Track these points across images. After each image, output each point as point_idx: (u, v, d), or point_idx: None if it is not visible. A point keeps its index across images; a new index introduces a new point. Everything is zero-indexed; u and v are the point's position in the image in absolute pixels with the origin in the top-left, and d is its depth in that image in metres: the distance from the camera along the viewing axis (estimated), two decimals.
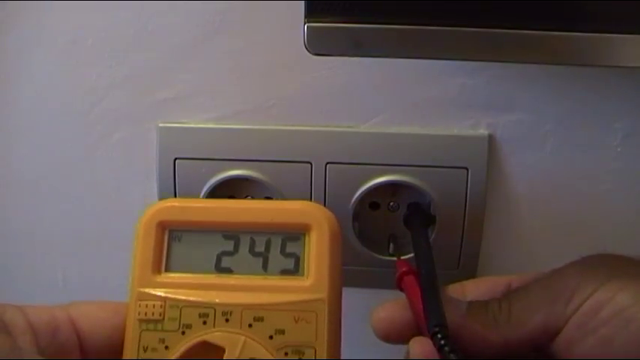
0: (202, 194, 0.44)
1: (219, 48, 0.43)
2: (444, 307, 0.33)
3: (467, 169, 0.43)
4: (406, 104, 0.43)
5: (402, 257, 0.41)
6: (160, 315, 0.31)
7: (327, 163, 0.43)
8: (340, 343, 0.31)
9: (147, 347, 0.30)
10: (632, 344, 0.30)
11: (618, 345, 0.30)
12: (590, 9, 0.32)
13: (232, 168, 0.44)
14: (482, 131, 0.43)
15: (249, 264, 0.32)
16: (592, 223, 0.44)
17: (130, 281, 0.32)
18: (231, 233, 0.33)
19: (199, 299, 0.31)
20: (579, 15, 0.32)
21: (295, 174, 0.43)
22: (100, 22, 0.43)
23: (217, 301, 0.31)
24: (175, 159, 0.44)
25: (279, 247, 0.32)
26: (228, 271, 0.32)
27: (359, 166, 0.43)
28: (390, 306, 0.35)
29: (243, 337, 0.30)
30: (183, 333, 0.31)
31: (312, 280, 0.31)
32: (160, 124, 0.44)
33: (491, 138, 0.43)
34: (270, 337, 0.30)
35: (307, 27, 0.33)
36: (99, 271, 0.48)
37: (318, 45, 0.33)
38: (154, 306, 0.31)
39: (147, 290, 0.31)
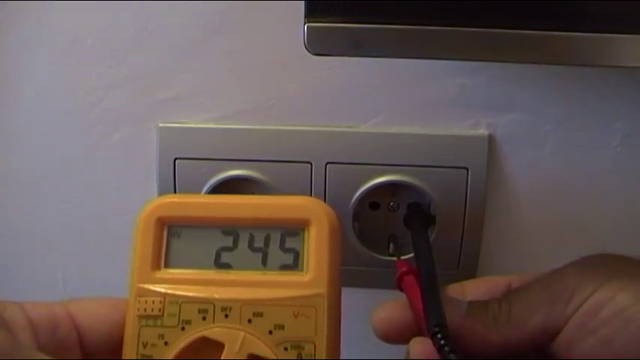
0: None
1: (219, 48, 0.43)
2: (444, 307, 0.33)
3: (467, 169, 0.43)
4: (406, 104, 0.43)
5: (402, 257, 0.41)
6: (160, 311, 0.31)
7: (327, 163, 0.43)
8: (340, 338, 0.31)
9: (146, 343, 0.30)
10: (633, 344, 0.30)
11: (618, 345, 0.30)
12: (590, 9, 0.32)
13: (232, 168, 0.44)
14: (482, 131, 0.43)
15: (248, 259, 0.32)
16: (592, 223, 0.44)
17: (130, 277, 0.32)
18: (231, 229, 0.32)
19: (199, 295, 0.31)
20: (579, 15, 0.32)
21: (295, 174, 0.43)
22: (100, 22, 0.43)
23: (217, 296, 0.31)
24: (175, 159, 0.44)
25: (278, 243, 0.32)
26: (227, 266, 0.32)
27: (359, 166, 0.43)
28: (390, 306, 0.35)
29: (242, 333, 0.30)
30: (182, 329, 0.31)
31: (312, 275, 0.31)
32: (160, 124, 0.44)
33: (491, 138, 0.43)
34: (270, 333, 0.30)
35: (307, 27, 0.33)
36: (99, 271, 0.48)
37: (318, 45, 0.33)
38: (153, 302, 0.31)
39: (146, 286, 0.31)
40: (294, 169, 0.43)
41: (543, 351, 0.32)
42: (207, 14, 0.42)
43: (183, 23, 0.42)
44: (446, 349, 0.31)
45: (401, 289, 0.36)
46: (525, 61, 0.36)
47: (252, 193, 0.44)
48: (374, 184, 0.43)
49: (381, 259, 0.44)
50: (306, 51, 0.34)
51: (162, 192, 0.44)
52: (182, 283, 0.31)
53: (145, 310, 0.31)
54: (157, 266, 0.32)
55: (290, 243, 0.32)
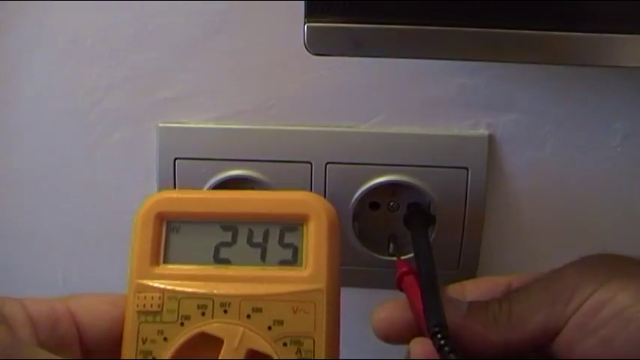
0: None
1: (219, 48, 0.43)
2: (444, 308, 0.33)
3: (467, 169, 0.43)
4: (406, 104, 0.43)
5: (402, 257, 0.41)
6: (159, 307, 0.31)
7: (327, 163, 0.43)
8: (339, 333, 0.31)
9: (146, 339, 0.30)
10: (633, 344, 0.30)
11: (618, 345, 0.30)
12: (590, 9, 0.32)
13: (232, 168, 0.44)
14: (483, 131, 0.43)
15: (247, 255, 0.32)
16: (592, 223, 0.44)
17: (129, 273, 0.32)
18: (229, 224, 0.32)
19: (198, 290, 0.31)
20: (579, 15, 0.32)
21: (295, 174, 0.43)
22: (100, 22, 0.43)
23: (216, 292, 0.31)
24: (175, 159, 0.44)
25: (277, 238, 0.32)
26: (226, 262, 0.32)
27: (359, 166, 0.43)
28: (390, 306, 0.35)
29: (241, 328, 0.30)
30: (182, 324, 0.31)
31: (311, 270, 0.31)
32: (160, 124, 0.44)
33: (491, 138, 0.43)
34: (269, 328, 0.30)
35: (307, 27, 0.33)
36: (99, 271, 0.48)
37: (318, 45, 0.33)
38: (152, 298, 0.31)
39: (145, 282, 0.31)
40: (294, 169, 0.43)
41: (543, 351, 0.32)
42: (207, 14, 0.42)
43: (183, 23, 0.42)
44: (446, 349, 0.31)
45: (401, 289, 0.36)
46: (525, 61, 0.36)
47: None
48: (374, 184, 0.43)
49: (381, 259, 0.44)
50: (306, 51, 0.34)
51: None
52: (181, 278, 0.31)
53: (144, 306, 0.31)
54: (155, 262, 0.32)
55: (289, 238, 0.32)
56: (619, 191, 0.44)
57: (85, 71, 0.44)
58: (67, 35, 0.43)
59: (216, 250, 0.32)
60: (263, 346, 0.30)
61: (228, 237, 0.32)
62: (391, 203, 0.44)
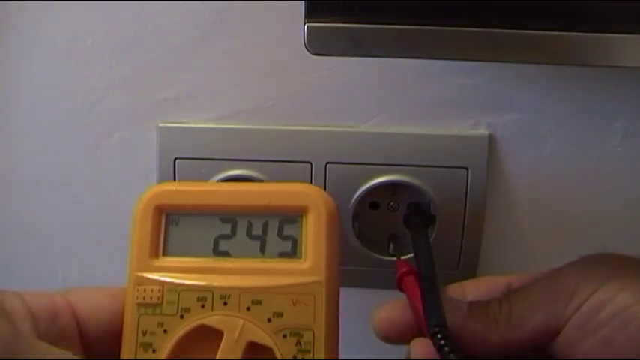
0: None
1: (219, 48, 0.43)
2: (444, 308, 0.33)
3: (467, 169, 0.43)
4: (406, 104, 0.43)
5: (402, 257, 0.41)
6: (159, 299, 0.31)
7: (327, 163, 0.43)
8: (338, 325, 0.31)
9: (146, 331, 0.30)
10: (633, 344, 0.30)
11: (619, 345, 0.30)
12: (590, 9, 0.32)
13: (232, 168, 0.44)
14: (483, 131, 0.43)
15: (246, 247, 0.32)
16: (592, 223, 0.44)
17: (128, 265, 0.32)
18: (229, 216, 0.32)
19: (197, 283, 0.31)
20: (579, 15, 0.32)
21: (295, 174, 0.43)
22: (100, 22, 0.43)
23: (215, 284, 0.31)
24: (175, 159, 0.44)
25: (276, 230, 0.32)
26: (225, 254, 0.32)
27: (359, 166, 0.43)
28: (390, 306, 0.35)
29: (241, 320, 0.30)
30: (181, 317, 0.31)
31: (310, 262, 0.31)
32: (160, 124, 0.44)
33: (491, 138, 0.43)
34: (269, 320, 0.30)
35: (307, 27, 0.33)
36: (99, 271, 0.48)
37: (318, 45, 0.33)
38: (152, 290, 0.31)
39: (145, 274, 0.31)
40: (294, 169, 0.43)
41: (543, 351, 0.32)
42: (207, 14, 0.42)
43: (183, 23, 0.42)
44: (446, 349, 0.31)
45: (401, 290, 0.36)
46: (525, 61, 0.36)
47: None
48: (374, 184, 0.43)
49: (381, 259, 0.44)
50: (306, 51, 0.33)
51: None
52: (180, 271, 0.31)
53: (144, 298, 0.31)
54: (155, 254, 0.32)
55: (288, 230, 0.32)
56: (619, 191, 0.44)
57: (85, 71, 0.44)
58: (67, 35, 0.43)
59: (216, 243, 0.32)
60: (263, 338, 0.30)
61: (227, 229, 0.32)
62: (391, 203, 0.44)
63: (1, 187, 0.47)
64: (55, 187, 0.47)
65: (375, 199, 0.44)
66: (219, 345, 0.30)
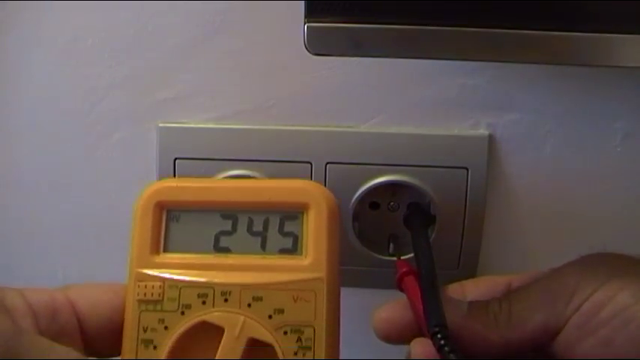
0: None
1: (219, 48, 0.43)
2: (444, 308, 0.33)
3: (467, 169, 0.43)
4: (406, 104, 0.43)
5: (402, 257, 0.41)
6: (159, 295, 0.31)
7: (327, 163, 0.43)
8: (339, 322, 0.31)
9: (147, 327, 0.30)
10: (633, 344, 0.30)
11: (619, 345, 0.30)
12: (590, 9, 0.32)
13: (232, 168, 0.44)
14: (483, 131, 0.43)
15: (247, 243, 0.32)
16: (592, 223, 0.44)
17: (129, 262, 0.32)
18: (229, 213, 0.32)
19: (198, 279, 0.31)
20: (579, 15, 0.32)
21: (295, 174, 0.43)
22: (100, 22, 0.43)
23: (216, 281, 0.31)
24: (175, 159, 0.44)
25: (277, 226, 0.32)
26: (226, 250, 0.32)
27: (359, 166, 0.43)
28: (390, 306, 0.35)
29: (242, 317, 0.30)
30: (182, 313, 0.31)
31: (311, 259, 0.31)
32: (160, 124, 0.44)
33: (491, 138, 0.43)
34: (270, 317, 0.30)
35: (307, 27, 0.33)
36: (99, 270, 0.48)
37: (318, 45, 0.33)
38: (152, 287, 0.31)
39: (145, 271, 0.31)
40: (294, 169, 0.43)
41: (544, 351, 0.32)
42: (207, 14, 0.42)
43: (183, 23, 0.42)
44: (446, 349, 0.31)
45: (401, 290, 0.36)
46: (525, 61, 0.36)
47: None
48: (374, 184, 0.43)
49: (381, 259, 0.44)
50: (306, 51, 0.33)
51: None
52: (181, 267, 0.31)
53: (145, 294, 0.31)
54: (156, 251, 0.32)
55: (289, 227, 0.32)
56: (619, 191, 0.44)
57: (85, 71, 0.44)
58: (67, 35, 0.43)
59: (217, 239, 0.32)
60: (264, 334, 0.30)
61: (228, 226, 0.32)
62: (391, 203, 0.44)
63: (1, 187, 0.47)
64: (55, 187, 0.47)
65: (375, 199, 0.44)
66: (220, 342, 0.30)
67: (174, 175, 0.44)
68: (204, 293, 0.31)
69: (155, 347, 0.30)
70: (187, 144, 0.44)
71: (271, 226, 0.32)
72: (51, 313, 0.29)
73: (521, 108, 0.43)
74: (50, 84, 0.44)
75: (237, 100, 0.44)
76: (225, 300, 0.31)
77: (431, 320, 0.32)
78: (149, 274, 0.31)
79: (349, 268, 0.44)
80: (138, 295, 0.31)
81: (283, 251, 0.32)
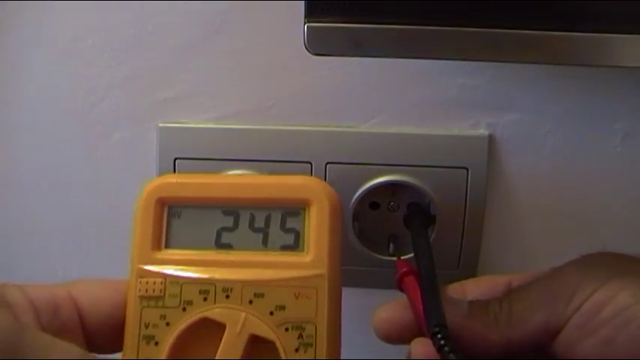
0: None
1: (219, 48, 0.43)
2: (444, 308, 0.33)
3: (467, 169, 0.43)
4: (406, 104, 0.43)
5: (402, 257, 0.41)
6: (161, 291, 0.31)
7: (327, 163, 0.43)
8: (341, 318, 0.31)
9: (148, 324, 0.30)
10: (634, 344, 0.30)
11: (619, 345, 0.30)
12: (590, 9, 0.32)
13: (232, 168, 0.44)
14: (483, 131, 0.43)
15: (249, 240, 0.32)
16: (592, 222, 0.44)
17: (130, 258, 0.32)
18: (231, 209, 0.32)
19: (199, 275, 0.31)
20: (579, 15, 0.32)
21: (295, 174, 0.43)
22: (100, 22, 0.43)
23: (217, 277, 0.31)
24: (175, 159, 0.44)
25: (279, 223, 0.32)
26: (228, 247, 0.32)
27: (359, 166, 0.43)
28: (391, 307, 0.35)
29: (243, 314, 0.30)
30: (184, 309, 0.31)
31: (312, 255, 0.31)
32: (160, 124, 0.44)
33: (491, 138, 0.43)
34: (271, 313, 0.30)
35: (307, 27, 0.33)
36: (99, 270, 0.48)
37: (318, 45, 0.33)
38: (154, 283, 0.31)
39: (147, 267, 0.31)
40: (294, 169, 0.43)
41: (544, 350, 0.32)
42: (207, 14, 0.42)
43: (183, 23, 0.42)
44: (446, 349, 0.31)
45: (401, 290, 0.36)
46: (525, 61, 0.36)
47: None
48: (374, 184, 0.43)
49: (381, 259, 0.44)
50: (306, 51, 0.34)
51: None
52: (183, 263, 0.31)
53: (147, 291, 0.31)
54: (157, 247, 0.32)
55: (291, 223, 0.32)
56: (619, 191, 0.44)
57: (85, 71, 0.44)
58: (67, 35, 0.43)
59: (218, 235, 0.32)
60: (265, 331, 0.30)
61: (229, 222, 0.32)
62: (391, 203, 0.44)
63: (1, 187, 0.47)
64: (55, 187, 0.47)
65: (375, 199, 0.44)
66: (221, 338, 0.30)
67: None
68: (206, 289, 0.31)
69: (156, 343, 0.30)
70: (187, 144, 0.44)
71: (273, 222, 0.32)
72: (52, 309, 0.29)
73: (521, 108, 0.43)
74: (50, 84, 0.44)
75: (237, 100, 0.44)
76: (227, 296, 0.31)
77: (431, 320, 0.32)
78: (150, 271, 0.31)
79: (349, 268, 0.44)
80: (139, 291, 0.31)
81: (285, 248, 0.32)
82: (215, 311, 0.30)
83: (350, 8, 0.33)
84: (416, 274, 0.36)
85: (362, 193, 0.43)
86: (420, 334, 0.34)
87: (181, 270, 0.31)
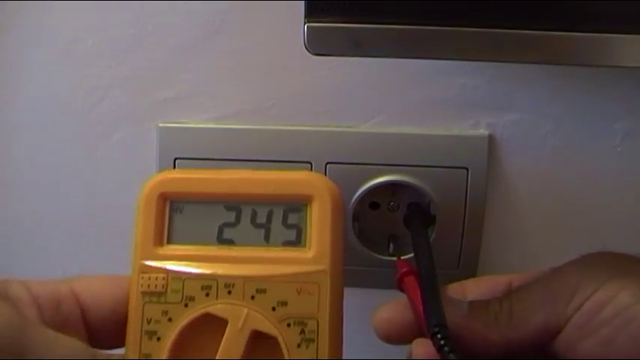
0: None
1: (219, 48, 0.43)
2: (444, 307, 0.33)
3: (467, 169, 0.43)
4: (406, 104, 0.43)
5: (402, 257, 0.41)
6: (163, 287, 0.31)
7: (327, 163, 0.43)
8: (342, 314, 0.31)
9: (150, 319, 0.30)
10: (634, 344, 0.30)
11: (620, 344, 0.30)
12: (590, 9, 0.32)
13: (232, 168, 0.43)
14: (483, 131, 0.43)
15: (251, 235, 0.32)
16: (592, 222, 0.44)
17: (132, 254, 0.32)
18: (233, 204, 0.32)
19: (202, 271, 0.31)
20: (579, 15, 0.32)
21: None
22: (100, 22, 0.43)
23: (220, 272, 0.31)
24: (175, 159, 0.44)
25: (280, 218, 0.32)
26: (230, 242, 0.32)
27: (359, 166, 0.43)
28: (391, 307, 0.35)
29: (245, 309, 0.30)
30: (186, 305, 0.31)
31: (314, 251, 0.31)
32: (160, 124, 0.44)
33: (491, 138, 0.43)
34: (273, 309, 0.30)
35: (307, 27, 0.33)
36: (99, 271, 0.48)
37: (318, 45, 0.33)
38: (156, 278, 0.31)
39: (149, 263, 0.31)
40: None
41: (544, 350, 0.32)
42: (207, 14, 0.42)
43: (183, 23, 0.42)
44: (446, 349, 0.31)
45: (401, 290, 0.36)
46: (525, 61, 0.36)
47: None
48: (374, 184, 0.43)
49: (381, 259, 0.44)
50: (306, 51, 0.34)
51: None
52: (185, 259, 0.31)
53: (149, 286, 0.31)
54: (159, 242, 0.32)
55: (293, 219, 0.32)
56: (619, 191, 0.44)
57: (85, 71, 0.44)
58: (67, 35, 0.43)
59: (220, 231, 0.32)
60: (267, 326, 0.30)
61: (231, 217, 0.32)
62: (391, 203, 0.44)
63: (1, 187, 0.47)
64: (55, 187, 0.47)
65: (375, 199, 0.44)
66: (223, 333, 0.30)
67: None
68: (208, 285, 0.31)
69: (159, 339, 0.30)
70: (187, 144, 0.44)
71: (275, 218, 0.32)
72: (55, 305, 0.29)
73: (521, 108, 0.43)
74: (50, 84, 0.44)
75: (237, 100, 0.44)
76: (229, 292, 0.31)
77: (431, 320, 0.32)
78: (153, 266, 0.31)
79: (349, 268, 0.43)
80: (142, 286, 0.31)
81: (287, 243, 0.32)
82: (217, 307, 0.30)
83: (350, 8, 0.33)
84: (416, 274, 0.36)
85: (362, 193, 0.43)
86: (421, 334, 0.33)
87: (183, 265, 0.31)
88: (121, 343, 0.31)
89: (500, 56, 0.33)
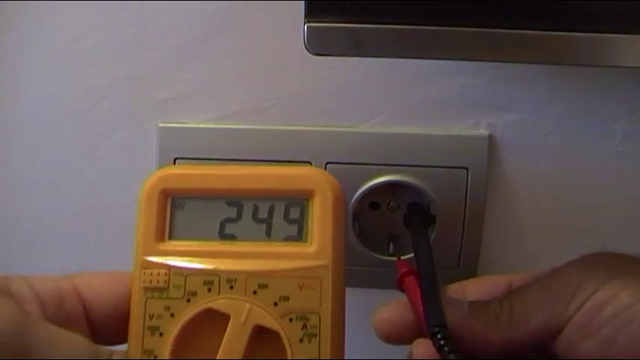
0: None
1: (219, 48, 0.43)
2: (444, 308, 0.33)
3: (467, 169, 0.43)
4: (406, 104, 0.43)
5: (402, 257, 0.41)
6: (165, 283, 0.31)
7: (327, 163, 0.43)
8: (345, 309, 0.31)
9: (153, 315, 0.31)
10: (634, 343, 0.30)
11: (620, 344, 0.30)
12: (590, 9, 0.32)
13: None
14: (483, 131, 0.43)
15: (252, 230, 0.32)
16: (592, 222, 0.44)
17: (134, 249, 0.32)
18: (235, 200, 0.32)
19: (203, 266, 0.31)
20: (579, 15, 0.32)
21: None
22: (100, 22, 0.43)
23: (221, 268, 0.31)
24: (175, 159, 0.44)
25: (282, 214, 0.32)
26: (231, 237, 0.32)
27: (359, 166, 0.43)
28: (391, 307, 0.35)
29: (247, 304, 0.30)
30: (188, 300, 0.31)
31: (316, 246, 0.31)
32: (160, 124, 0.44)
33: (491, 138, 0.43)
34: (275, 304, 0.30)
35: (307, 27, 0.33)
36: (99, 270, 0.48)
37: (318, 45, 0.33)
38: (158, 274, 0.31)
39: (151, 258, 0.31)
40: None
41: (545, 350, 0.32)
42: (207, 14, 0.42)
43: (183, 23, 0.42)
44: (446, 349, 0.31)
45: (401, 290, 0.36)
46: (525, 61, 0.36)
47: None
48: (374, 184, 0.43)
49: (381, 259, 0.44)
50: (306, 51, 0.34)
51: None
52: (187, 254, 0.31)
53: (151, 282, 0.31)
54: (161, 238, 0.32)
55: (294, 214, 0.32)
56: (619, 191, 0.44)
57: (85, 71, 0.44)
58: (67, 35, 0.43)
59: (222, 226, 0.32)
60: (269, 321, 0.30)
61: (233, 213, 0.32)
62: (391, 203, 0.44)
63: (1, 187, 0.47)
64: (55, 187, 0.47)
65: (375, 199, 0.44)
66: (225, 329, 0.30)
67: None
68: (210, 280, 0.31)
69: (161, 334, 0.30)
70: (187, 144, 0.44)
71: (276, 213, 0.32)
72: (57, 301, 0.29)
73: (521, 108, 0.43)
74: (50, 84, 0.44)
75: (237, 100, 0.44)
76: (231, 287, 0.31)
77: (431, 320, 0.32)
78: (155, 262, 0.31)
79: (349, 268, 0.44)
80: (144, 282, 0.31)
81: (288, 238, 0.32)
82: (219, 302, 0.30)
83: (350, 8, 0.33)
84: (416, 274, 0.36)
85: (362, 193, 0.43)
86: (421, 334, 0.33)
87: (185, 261, 0.31)
88: (123, 339, 0.31)
89: (500, 56, 0.33)
